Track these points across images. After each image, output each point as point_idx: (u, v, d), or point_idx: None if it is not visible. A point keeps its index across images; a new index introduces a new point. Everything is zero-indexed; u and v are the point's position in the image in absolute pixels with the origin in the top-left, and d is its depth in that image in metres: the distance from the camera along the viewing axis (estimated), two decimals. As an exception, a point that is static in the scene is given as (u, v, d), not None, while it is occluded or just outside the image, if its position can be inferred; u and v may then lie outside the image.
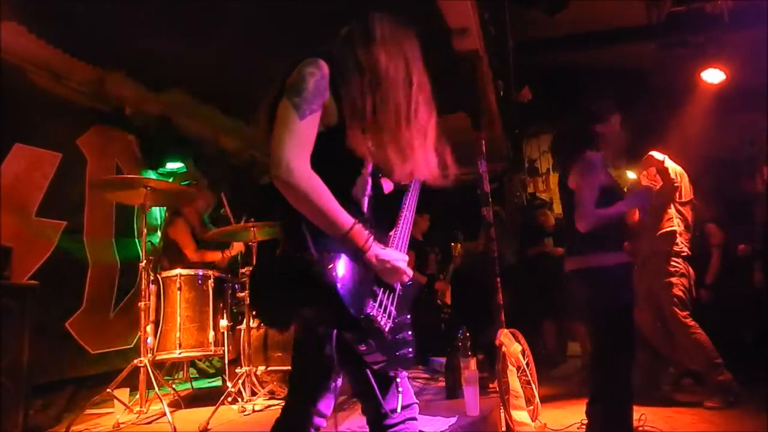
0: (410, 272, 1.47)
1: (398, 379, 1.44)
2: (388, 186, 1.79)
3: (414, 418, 1.45)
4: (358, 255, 1.34)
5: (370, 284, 1.39)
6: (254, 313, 3.49)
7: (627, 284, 2.84)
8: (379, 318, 1.36)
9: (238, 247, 4.37)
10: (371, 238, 1.37)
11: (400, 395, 1.43)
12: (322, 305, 1.31)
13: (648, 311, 3.87)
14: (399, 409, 1.41)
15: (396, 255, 1.43)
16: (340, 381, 1.57)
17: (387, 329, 1.38)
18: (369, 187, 1.53)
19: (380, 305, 1.39)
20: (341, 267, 1.29)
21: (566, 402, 3.88)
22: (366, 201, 1.52)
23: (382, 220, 1.60)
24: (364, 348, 1.32)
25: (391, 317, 1.42)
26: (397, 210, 1.68)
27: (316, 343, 1.40)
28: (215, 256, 4.30)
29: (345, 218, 1.33)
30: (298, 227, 1.36)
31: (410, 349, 1.47)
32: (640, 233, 3.89)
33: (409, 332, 1.50)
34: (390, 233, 1.57)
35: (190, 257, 4.17)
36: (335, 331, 1.29)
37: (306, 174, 1.30)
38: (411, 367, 1.48)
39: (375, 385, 1.37)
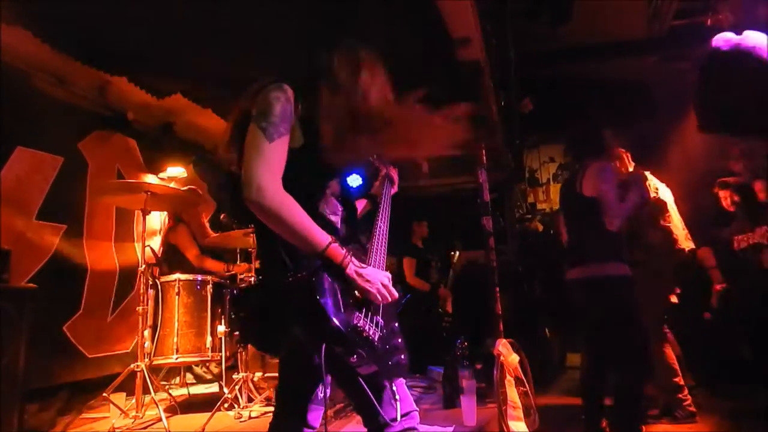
0: (395, 293, 1.47)
1: (395, 387, 1.45)
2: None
3: (413, 428, 1.44)
4: (337, 272, 1.36)
5: (355, 296, 1.40)
6: (248, 342, 3.49)
7: (628, 295, 2.85)
8: (366, 328, 1.37)
9: (242, 267, 4.32)
10: (349, 255, 1.38)
11: (398, 403, 1.43)
12: (309, 322, 1.32)
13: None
14: (399, 418, 1.42)
15: (378, 275, 1.43)
16: (329, 392, 1.56)
17: (376, 339, 1.39)
18: (338, 206, 1.54)
19: (366, 316, 1.40)
20: (324, 283, 1.32)
21: (564, 413, 3.86)
22: (338, 220, 1.53)
23: (360, 234, 1.62)
24: (355, 359, 1.32)
25: (380, 326, 1.43)
26: (371, 222, 1.71)
27: (305, 359, 1.42)
28: (218, 266, 4.27)
29: (321, 236, 1.35)
30: (274, 249, 1.40)
31: (403, 356, 1.48)
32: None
33: (399, 339, 1.50)
34: (368, 245, 1.59)
35: (192, 261, 4.16)
36: (323, 345, 1.29)
37: (278, 194, 1.32)
38: (405, 373, 1.49)
39: (371, 395, 1.38)
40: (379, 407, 1.39)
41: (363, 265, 1.43)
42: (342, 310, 1.33)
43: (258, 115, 1.39)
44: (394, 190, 1.94)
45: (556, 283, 5.49)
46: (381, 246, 1.59)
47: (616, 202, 2.83)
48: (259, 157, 1.34)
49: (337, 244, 1.36)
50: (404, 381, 1.51)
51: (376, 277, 1.42)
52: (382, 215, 1.71)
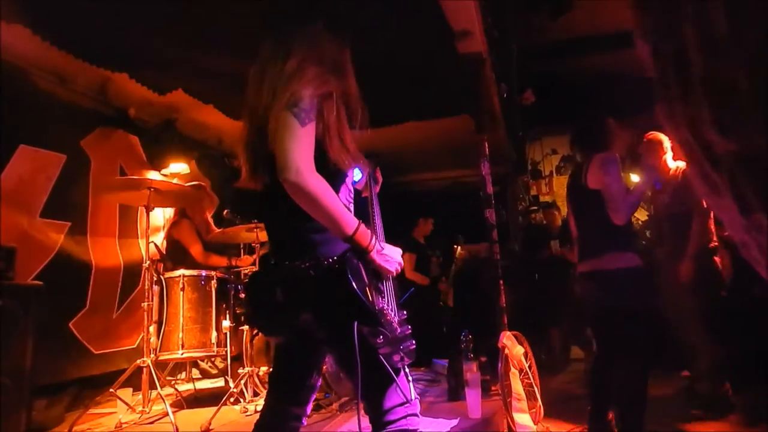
0: (402, 262, 1.57)
1: (407, 369, 1.52)
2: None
3: (415, 414, 1.48)
4: (362, 254, 1.42)
5: (376, 282, 1.47)
6: (253, 325, 3.46)
7: (638, 287, 2.83)
8: (388, 311, 1.45)
9: (247, 261, 4.34)
10: (374, 238, 1.45)
11: (411, 384, 1.50)
12: (342, 303, 1.38)
13: (674, 313, 3.86)
14: (413, 397, 1.48)
15: (395, 252, 1.55)
16: (320, 381, 1.64)
17: (395, 323, 1.48)
18: (352, 195, 1.62)
19: (387, 302, 1.48)
20: (354, 267, 1.39)
21: (569, 405, 3.87)
22: (351, 208, 1.59)
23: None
24: (381, 340, 1.39)
25: (395, 312, 1.52)
26: (365, 216, 1.77)
27: (306, 345, 1.52)
28: (221, 261, 4.29)
29: (351, 219, 1.41)
30: (299, 235, 1.46)
31: (413, 342, 1.55)
32: (661, 234, 3.89)
33: (409, 326, 1.58)
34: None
35: (196, 257, 4.17)
36: (356, 323, 1.35)
37: (315, 176, 1.37)
38: (414, 358, 1.55)
39: (392, 373, 1.42)
40: (398, 382, 1.44)
41: (381, 245, 1.51)
42: (370, 294, 1.41)
43: (289, 102, 1.42)
44: (377, 188, 1.98)
45: (559, 274, 5.51)
46: (380, 238, 1.68)
47: (621, 195, 2.77)
48: (295, 141, 1.37)
49: (364, 227, 1.43)
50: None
51: (394, 254, 1.53)
52: (376, 212, 1.79)
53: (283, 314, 1.47)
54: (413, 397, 1.47)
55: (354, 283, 1.34)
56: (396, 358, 1.45)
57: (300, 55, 1.51)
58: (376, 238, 1.58)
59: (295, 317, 1.45)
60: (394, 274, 1.53)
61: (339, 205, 1.39)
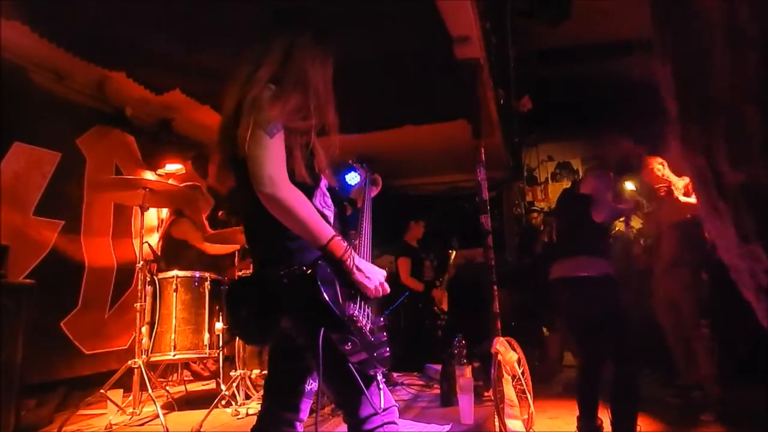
0: (387, 288, 1.53)
1: (380, 377, 1.50)
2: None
3: (393, 422, 1.47)
4: (337, 264, 1.40)
5: (349, 288, 1.45)
6: (235, 333, 3.46)
7: (607, 295, 2.91)
8: (360, 318, 1.43)
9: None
10: (349, 250, 1.44)
11: (382, 393, 1.47)
12: (309, 309, 1.36)
13: (670, 319, 3.92)
14: (382, 405, 1.46)
15: (375, 270, 1.50)
16: (315, 385, 1.61)
17: (367, 330, 1.45)
18: (329, 201, 1.61)
19: (360, 308, 1.46)
20: (324, 274, 1.37)
21: (561, 411, 3.87)
22: (331, 215, 1.59)
23: (349, 230, 1.68)
24: (349, 347, 1.37)
25: (369, 319, 1.49)
26: (354, 221, 1.76)
27: (295, 351, 1.50)
28: (225, 249, 4.23)
29: (326, 229, 1.41)
30: (276, 243, 1.45)
31: (387, 349, 1.53)
32: (660, 243, 3.99)
33: (384, 333, 1.56)
34: (355, 242, 1.64)
35: (205, 250, 4.14)
36: (321, 329, 1.33)
37: (289, 187, 1.38)
38: (388, 365, 1.53)
39: (360, 382, 1.40)
40: (367, 394, 1.42)
41: (362, 260, 1.49)
42: (339, 300, 1.39)
43: (257, 114, 1.42)
44: (375, 191, 1.97)
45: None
46: (366, 244, 1.67)
47: (608, 198, 2.97)
48: (266, 152, 1.38)
49: (339, 238, 1.42)
50: (382, 378, 1.54)
51: (374, 273, 1.49)
52: (366, 216, 1.78)
53: (260, 323, 1.46)
54: (382, 407, 1.45)
55: (323, 289, 1.33)
56: (368, 365, 1.44)
57: (274, 64, 1.51)
58: (356, 249, 1.57)
59: (271, 325, 1.45)
60: (373, 293, 1.48)
61: (314, 214, 1.40)
